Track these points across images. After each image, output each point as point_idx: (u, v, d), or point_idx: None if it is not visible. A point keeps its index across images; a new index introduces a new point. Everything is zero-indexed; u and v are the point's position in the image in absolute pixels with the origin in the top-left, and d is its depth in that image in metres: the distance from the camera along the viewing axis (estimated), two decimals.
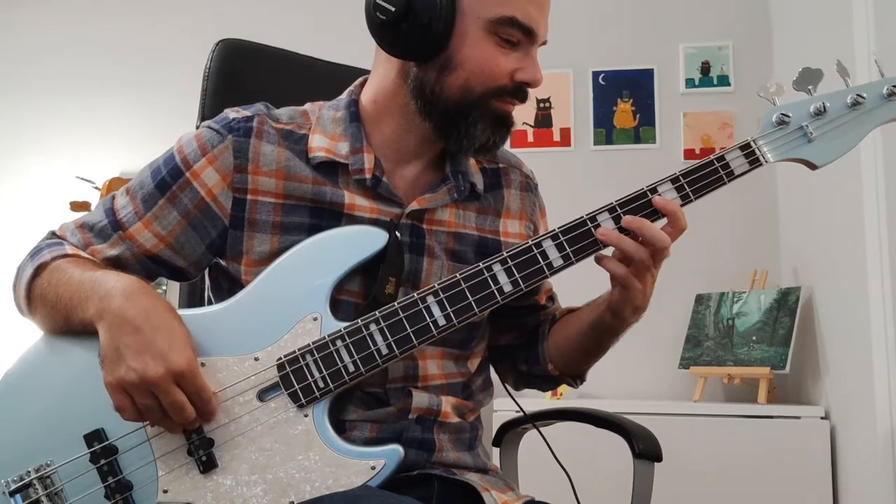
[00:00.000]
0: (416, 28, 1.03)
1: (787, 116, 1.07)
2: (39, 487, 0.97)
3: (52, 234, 1.14)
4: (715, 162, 1.06)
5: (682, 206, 1.04)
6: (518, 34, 1.05)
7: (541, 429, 1.29)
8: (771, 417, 2.27)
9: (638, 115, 2.87)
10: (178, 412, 0.95)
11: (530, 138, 2.91)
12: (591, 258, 1.05)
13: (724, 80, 2.84)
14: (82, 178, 2.84)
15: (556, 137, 2.90)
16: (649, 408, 2.37)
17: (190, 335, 0.99)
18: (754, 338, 2.47)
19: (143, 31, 3.18)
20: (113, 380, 0.94)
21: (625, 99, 2.88)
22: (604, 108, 2.89)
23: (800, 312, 2.39)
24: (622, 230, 1.03)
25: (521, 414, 1.29)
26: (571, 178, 2.81)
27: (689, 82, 2.86)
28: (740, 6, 2.86)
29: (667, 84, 2.87)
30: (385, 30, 1.06)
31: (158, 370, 0.93)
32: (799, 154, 1.08)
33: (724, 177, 1.06)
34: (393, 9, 1.03)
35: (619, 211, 1.04)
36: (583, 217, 1.05)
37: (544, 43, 1.10)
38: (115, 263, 1.09)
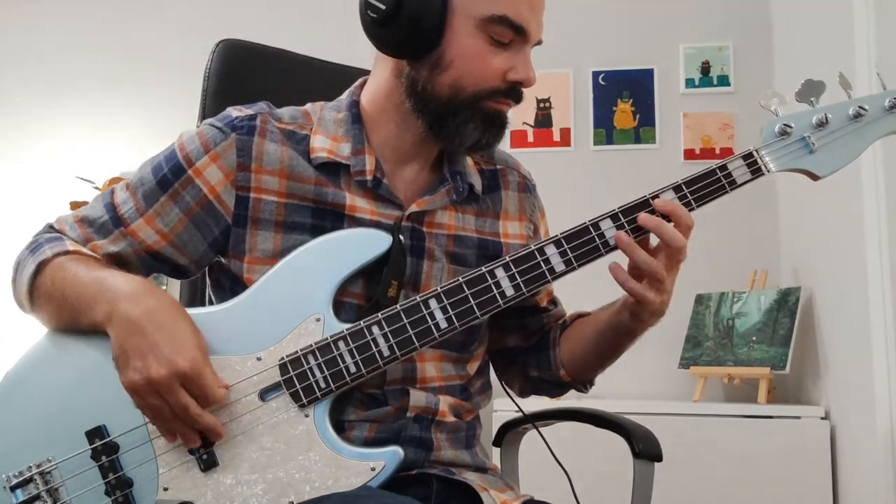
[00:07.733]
0: (407, 26, 1.04)
1: (790, 127, 1.08)
2: (40, 483, 0.97)
3: (50, 228, 1.13)
4: (717, 171, 1.07)
5: None
6: (510, 33, 1.05)
7: (541, 429, 1.29)
8: (771, 417, 2.27)
9: (638, 116, 2.87)
10: (184, 414, 0.95)
11: (530, 138, 2.91)
12: (594, 263, 1.06)
13: (724, 81, 2.84)
14: (82, 178, 2.84)
15: (556, 137, 2.90)
16: (649, 408, 2.37)
17: (199, 336, 0.99)
18: (754, 338, 2.47)
19: (144, 31, 3.18)
20: (125, 381, 0.96)
21: (625, 99, 2.88)
22: (604, 108, 2.89)
23: (800, 313, 2.39)
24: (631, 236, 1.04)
25: (521, 414, 1.29)
26: (571, 178, 2.81)
27: (689, 82, 2.86)
28: (740, 6, 2.86)
29: (667, 84, 2.87)
30: (377, 28, 1.06)
31: (161, 371, 0.93)
32: (801, 164, 1.08)
33: (726, 185, 1.07)
34: (383, 7, 1.04)
35: (623, 219, 1.05)
36: (585, 223, 1.05)
37: (539, 43, 1.10)
38: (116, 259, 1.09)
